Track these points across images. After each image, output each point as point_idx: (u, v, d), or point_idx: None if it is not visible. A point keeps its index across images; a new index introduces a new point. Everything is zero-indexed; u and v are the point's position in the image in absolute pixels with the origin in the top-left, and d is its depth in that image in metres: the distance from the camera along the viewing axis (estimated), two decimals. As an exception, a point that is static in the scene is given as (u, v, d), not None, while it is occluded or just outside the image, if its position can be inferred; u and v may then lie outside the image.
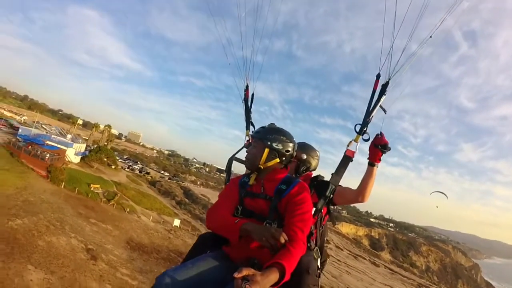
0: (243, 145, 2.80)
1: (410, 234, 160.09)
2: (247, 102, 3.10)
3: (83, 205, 30.54)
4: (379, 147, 2.31)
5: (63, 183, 32.11)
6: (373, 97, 2.42)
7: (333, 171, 2.44)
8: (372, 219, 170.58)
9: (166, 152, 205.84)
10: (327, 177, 2.50)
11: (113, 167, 55.41)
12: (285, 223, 1.85)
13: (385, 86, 2.36)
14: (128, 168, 69.89)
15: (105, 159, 50.33)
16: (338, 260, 74.56)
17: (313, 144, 2.92)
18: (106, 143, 59.90)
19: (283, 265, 1.52)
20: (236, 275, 1.38)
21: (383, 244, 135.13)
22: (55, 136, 45.13)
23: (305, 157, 2.70)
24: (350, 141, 2.42)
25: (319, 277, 2.11)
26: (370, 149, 2.38)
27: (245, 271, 1.40)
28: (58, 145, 39.84)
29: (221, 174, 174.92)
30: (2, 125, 53.62)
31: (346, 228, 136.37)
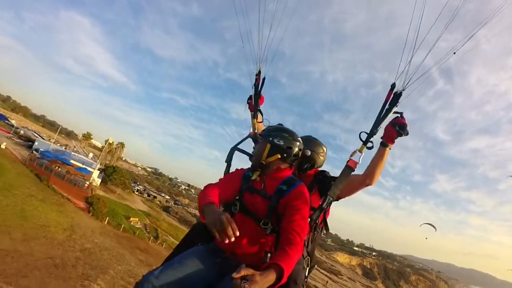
0: (247, 134, 2.66)
1: (394, 263, 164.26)
2: (257, 88, 2.82)
3: (135, 247, 24.16)
4: (396, 128, 2.08)
5: (107, 218, 25.32)
6: (384, 107, 2.21)
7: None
8: (355, 248, 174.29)
9: (149, 170, 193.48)
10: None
11: (127, 190, 47.80)
12: (283, 226, 1.79)
13: (398, 97, 2.18)
14: (137, 191, 61.56)
15: (127, 183, 42.78)
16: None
17: None
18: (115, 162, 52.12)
19: (281, 267, 1.48)
20: (235, 275, 1.34)
21: (375, 274, 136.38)
22: (75, 154, 36.92)
23: (309, 153, 2.38)
24: (354, 151, 2.23)
25: (304, 286, 2.01)
26: (386, 129, 2.16)
27: (244, 271, 1.35)
28: (86, 167, 32.47)
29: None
30: (7, 132, 43.41)
31: (341, 257, 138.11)
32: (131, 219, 29.99)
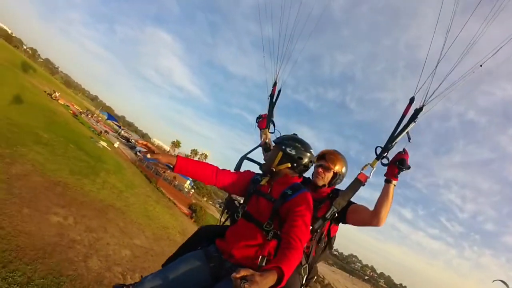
0: (258, 144, 2.72)
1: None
2: (272, 98, 2.89)
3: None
4: (396, 163, 2.05)
5: (206, 226, 26.15)
6: (401, 122, 2.16)
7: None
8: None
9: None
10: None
11: (205, 199, 49.84)
12: (284, 230, 1.79)
13: (418, 112, 2.11)
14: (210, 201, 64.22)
15: (212, 193, 44.62)
16: None
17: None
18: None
19: (282, 270, 1.46)
20: (235, 275, 1.33)
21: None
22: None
23: (344, 170, 2.41)
24: (366, 165, 2.19)
25: None
26: (387, 166, 2.13)
27: (244, 272, 1.34)
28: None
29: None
30: (113, 131, 48.85)
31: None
32: (222, 230, 30.61)
